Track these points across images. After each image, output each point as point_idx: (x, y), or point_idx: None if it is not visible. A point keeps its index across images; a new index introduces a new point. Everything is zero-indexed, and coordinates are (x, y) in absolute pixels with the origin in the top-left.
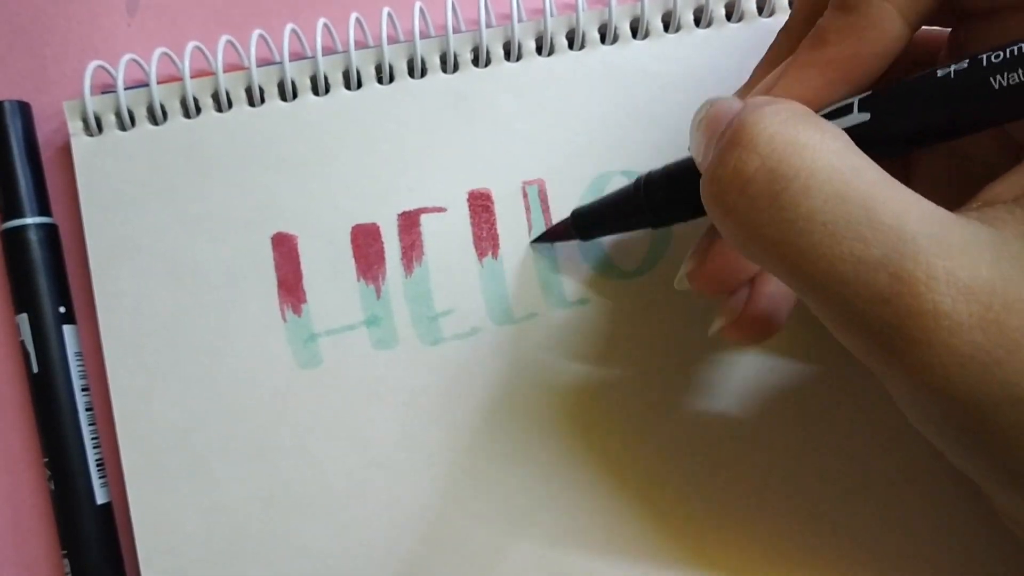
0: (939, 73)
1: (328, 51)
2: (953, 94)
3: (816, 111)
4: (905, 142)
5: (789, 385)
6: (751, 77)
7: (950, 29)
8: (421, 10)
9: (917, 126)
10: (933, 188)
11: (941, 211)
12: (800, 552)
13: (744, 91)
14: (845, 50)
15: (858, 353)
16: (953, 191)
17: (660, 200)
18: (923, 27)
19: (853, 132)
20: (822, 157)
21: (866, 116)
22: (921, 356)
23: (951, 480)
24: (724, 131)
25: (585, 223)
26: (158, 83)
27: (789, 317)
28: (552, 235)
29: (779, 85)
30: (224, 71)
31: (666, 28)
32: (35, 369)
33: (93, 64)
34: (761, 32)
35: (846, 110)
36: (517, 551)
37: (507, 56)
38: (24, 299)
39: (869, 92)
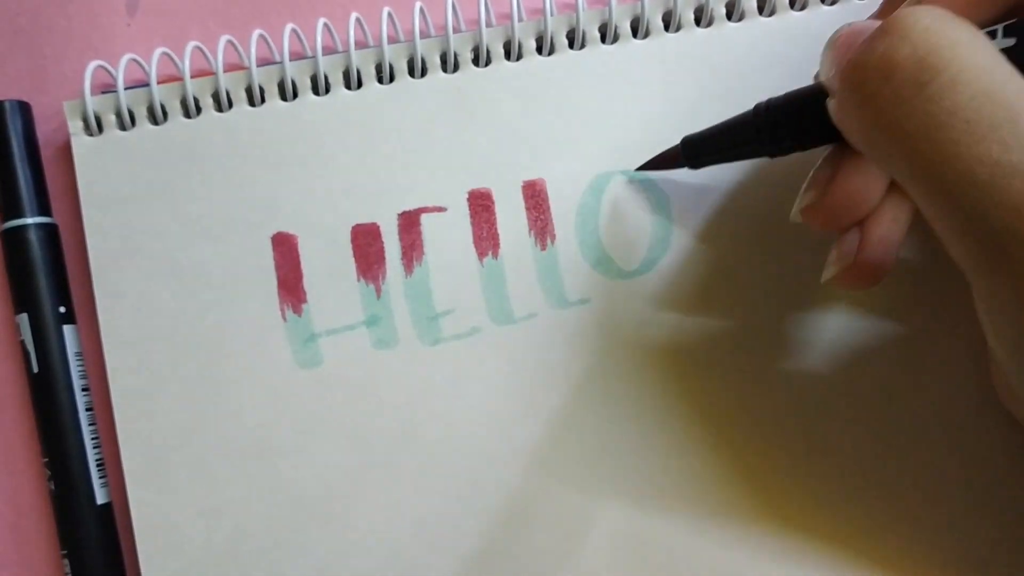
0: None
1: (328, 51)
2: None
3: None
4: None
5: (789, 384)
6: (881, 8)
7: None
8: (421, 10)
9: None
10: None
11: None
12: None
13: (880, 15)
14: None
15: (968, 262)
16: None
17: (781, 125)
18: None
19: None
20: (974, 55)
21: (1011, 41)
22: None
23: None
24: (870, 35)
25: (696, 150)
26: (158, 83)
27: (895, 264)
28: (659, 162)
29: (924, 3)
30: (224, 71)
31: (667, 27)
32: (35, 369)
33: (93, 64)
34: (762, 31)
35: (990, 36)
36: (518, 551)
37: (507, 56)
38: (24, 299)
39: (1014, 20)
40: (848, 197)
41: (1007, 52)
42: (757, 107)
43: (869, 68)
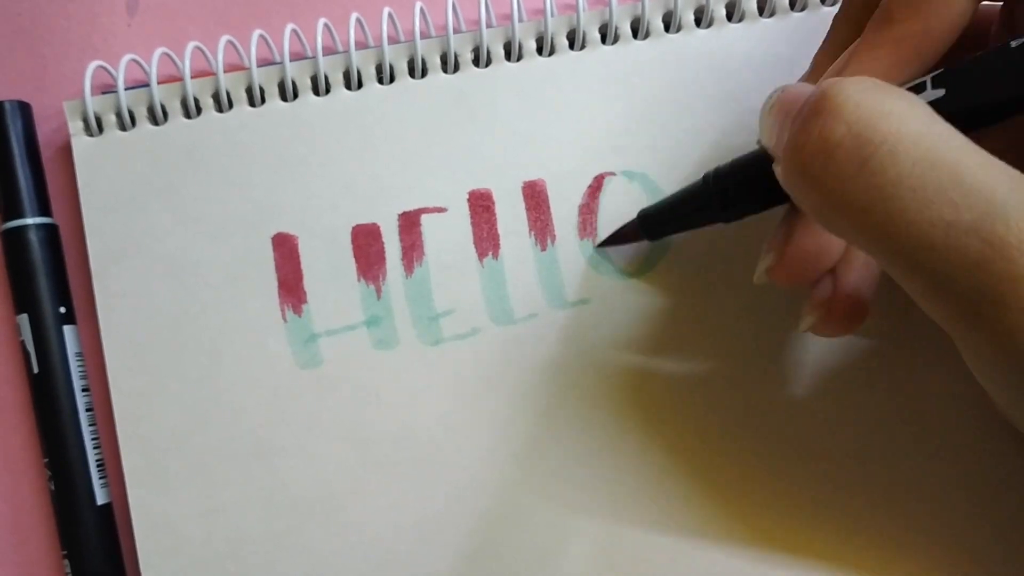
0: (1013, 44)
1: (328, 51)
2: None
3: None
4: (980, 117)
5: (788, 384)
6: (812, 66)
7: (1001, 3)
8: (422, 10)
9: (994, 99)
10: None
11: None
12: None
13: (810, 78)
14: (914, 27)
15: (941, 318)
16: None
17: (731, 193)
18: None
19: None
20: (908, 123)
21: (940, 92)
22: (1011, 321)
23: None
24: (801, 108)
25: (652, 223)
26: (158, 83)
27: (873, 303)
28: (618, 238)
29: (849, 67)
30: (224, 71)
31: (667, 28)
32: (35, 369)
33: (93, 64)
34: (762, 32)
35: (919, 89)
36: (518, 551)
37: (508, 56)
38: (24, 299)
39: (940, 70)
40: (806, 254)
41: (938, 103)
42: (706, 176)
43: (808, 152)
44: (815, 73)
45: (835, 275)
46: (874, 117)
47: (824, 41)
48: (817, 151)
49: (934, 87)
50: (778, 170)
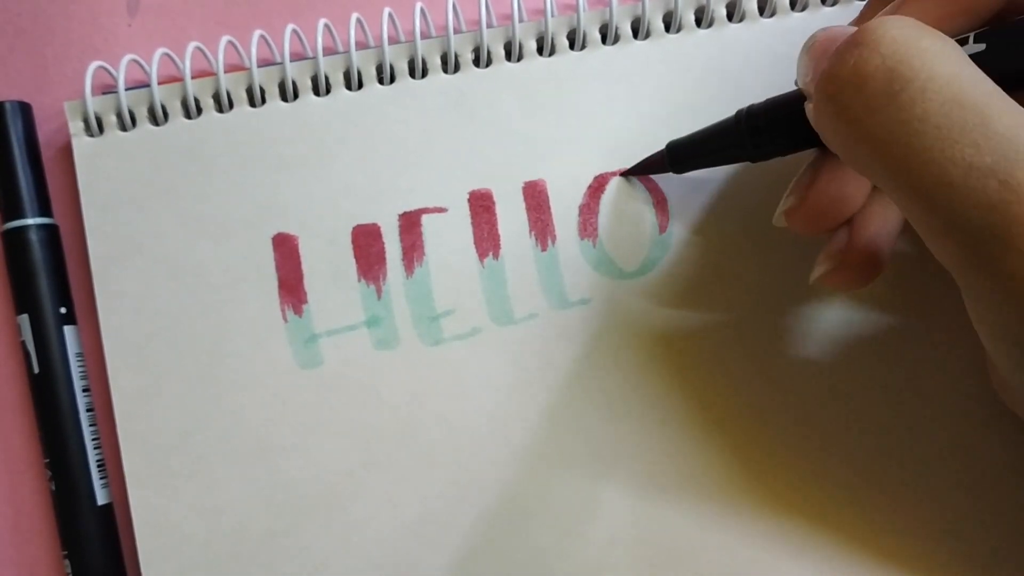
0: None
1: (329, 51)
2: None
3: None
4: (1017, 79)
5: (789, 382)
6: (861, 13)
7: None
8: (422, 10)
9: None
10: None
11: None
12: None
13: (858, 23)
14: None
15: (949, 260)
16: None
17: (762, 131)
18: None
19: None
20: (942, 62)
21: (981, 47)
22: (1020, 265)
23: None
24: (841, 43)
25: (680, 156)
26: (159, 83)
27: (888, 261)
28: (645, 167)
29: (898, 14)
30: (225, 71)
31: (667, 28)
32: (36, 370)
33: (94, 64)
34: (762, 32)
35: (961, 43)
36: (518, 550)
37: (508, 56)
38: (25, 300)
39: (985, 28)
40: (828, 200)
41: (977, 57)
42: (739, 113)
43: (841, 80)
44: (861, 21)
45: (852, 226)
46: (909, 53)
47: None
48: (849, 79)
49: (976, 41)
50: (809, 107)
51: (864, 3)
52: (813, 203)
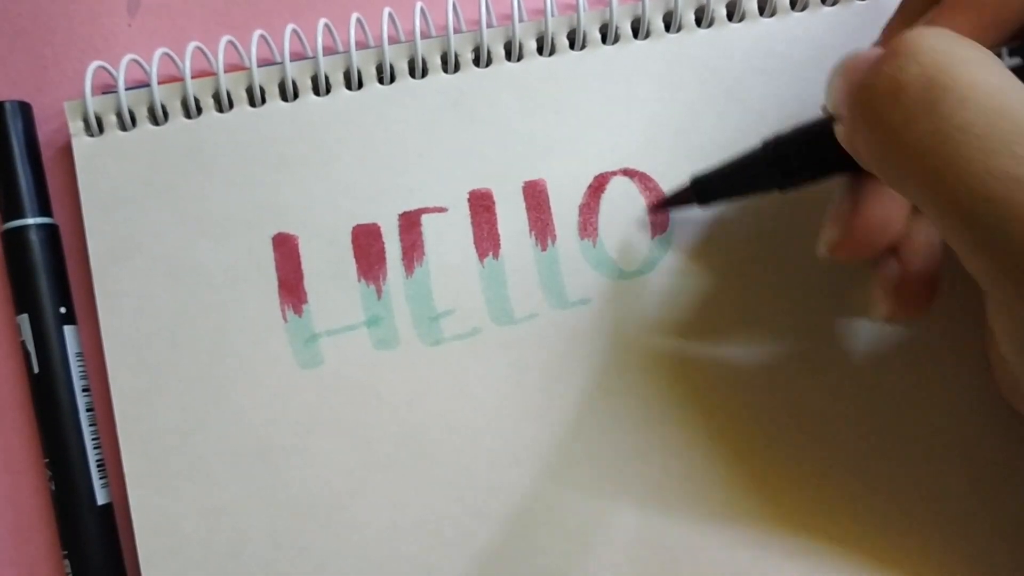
0: None
1: (329, 51)
2: None
3: None
4: None
5: (791, 383)
6: (883, 35)
7: None
8: (422, 10)
9: None
10: None
11: None
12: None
13: (885, 43)
14: None
15: (984, 275)
16: None
17: (791, 160)
18: None
19: None
20: (983, 72)
21: (1018, 60)
22: None
23: None
24: (876, 58)
25: (706, 188)
26: (159, 83)
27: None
28: (670, 203)
29: (932, 27)
30: (225, 71)
31: (667, 28)
32: (36, 369)
33: (94, 64)
34: (763, 32)
35: (995, 56)
36: (518, 551)
37: (508, 56)
38: (25, 299)
39: (1020, 41)
40: (872, 228)
41: (1014, 71)
42: (765, 142)
43: (878, 89)
44: (889, 35)
45: (900, 256)
46: (949, 62)
47: (897, 10)
48: (887, 89)
49: (1011, 56)
50: (839, 130)
51: (887, 25)
52: (860, 233)
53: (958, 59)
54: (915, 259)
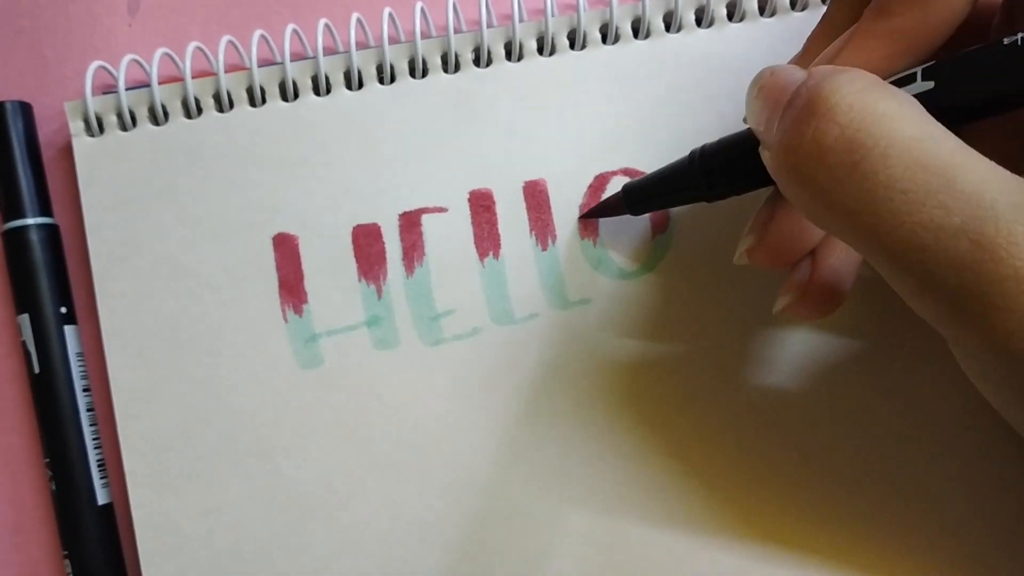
0: (1005, 41)
1: (329, 51)
2: (1020, 63)
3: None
4: (968, 113)
5: (790, 383)
6: (805, 48)
7: None
8: (422, 10)
9: (982, 95)
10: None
11: (1019, 179)
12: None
13: (802, 61)
14: (910, 20)
15: (931, 318)
16: (1013, 164)
17: (717, 172)
18: None
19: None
20: (901, 126)
21: (930, 85)
22: (1001, 321)
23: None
24: (793, 99)
25: (637, 198)
26: (159, 83)
27: (851, 289)
28: (601, 210)
29: (841, 55)
30: (225, 71)
31: (667, 28)
32: (36, 369)
33: (94, 64)
34: (763, 32)
35: (909, 79)
36: (519, 549)
37: (508, 56)
38: (25, 299)
39: (932, 62)
40: (786, 237)
41: (927, 96)
42: (692, 153)
43: (801, 153)
44: (807, 55)
45: (814, 258)
46: (867, 120)
47: (819, 23)
48: (810, 153)
49: (924, 79)
50: (765, 156)
51: (809, 37)
52: (772, 241)
53: (877, 115)
54: (825, 265)
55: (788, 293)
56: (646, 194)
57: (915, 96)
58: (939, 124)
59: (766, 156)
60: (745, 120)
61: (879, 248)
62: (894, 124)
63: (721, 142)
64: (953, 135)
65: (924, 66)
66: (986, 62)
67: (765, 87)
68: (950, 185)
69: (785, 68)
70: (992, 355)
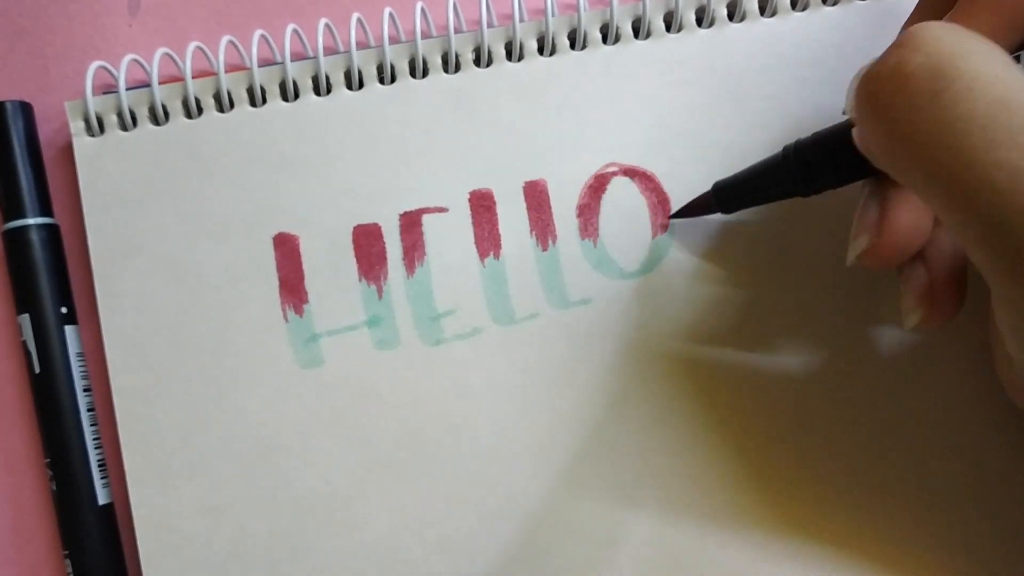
0: None
1: (329, 51)
2: None
3: None
4: None
5: (792, 383)
6: (903, 31)
7: None
8: (422, 10)
9: None
10: None
11: None
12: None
13: None
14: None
15: (988, 267)
16: None
17: (813, 165)
18: None
19: None
20: (987, 63)
21: None
22: None
23: None
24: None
25: (728, 195)
26: (160, 83)
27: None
28: (692, 209)
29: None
30: (225, 71)
31: (668, 28)
32: (37, 369)
33: (95, 64)
34: (763, 32)
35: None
36: (519, 549)
37: (508, 56)
38: (26, 299)
39: None
40: (901, 234)
41: None
42: (786, 148)
43: (883, 79)
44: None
45: (926, 261)
46: (954, 53)
47: (913, 12)
48: (892, 78)
49: (1019, 63)
50: (855, 133)
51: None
52: (890, 239)
53: (963, 50)
54: (941, 264)
55: (918, 307)
56: (738, 191)
57: None
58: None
59: (856, 133)
60: (843, 112)
61: (950, 186)
62: (980, 61)
63: (816, 135)
64: None
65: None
66: None
67: (864, 74)
68: None
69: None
70: None
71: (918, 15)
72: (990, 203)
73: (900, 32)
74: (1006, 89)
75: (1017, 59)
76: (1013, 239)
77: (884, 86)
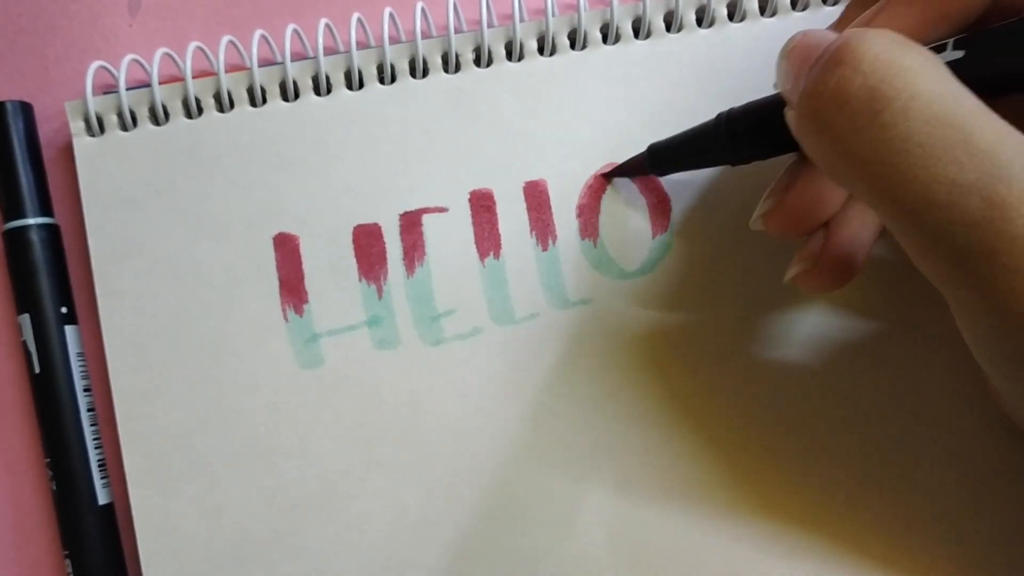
0: None
1: (330, 51)
2: None
3: None
4: (996, 85)
5: (789, 384)
6: (842, 16)
7: None
8: (423, 10)
9: (1012, 68)
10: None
11: None
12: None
13: (837, 27)
14: None
15: (936, 278)
16: None
17: (742, 135)
18: None
19: None
20: (924, 80)
21: (960, 54)
22: (1006, 281)
23: None
24: (821, 55)
25: (661, 158)
26: (160, 83)
27: (865, 263)
28: (626, 170)
29: (876, 20)
30: (226, 71)
31: (668, 28)
32: (37, 369)
33: (95, 64)
34: (763, 32)
35: (940, 49)
36: (519, 550)
37: (509, 56)
38: (26, 299)
39: (964, 34)
40: (805, 203)
41: (956, 65)
42: (719, 116)
43: (823, 99)
44: (842, 23)
45: (829, 230)
46: (891, 72)
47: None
48: (831, 99)
49: (955, 48)
50: (790, 115)
51: (844, 5)
52: (790, 206)
53: (901, 68)
54: (840, 236)
55: (800, 262)
56: (671, 154)
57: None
58: (961, 84)
59: (791, 116)
60: (775, 86)
61: (892, 201)
62: (917, 78)
63: (748, 106)
64: (974, 96)
65: (956, 37)
66: (1018, 36)
67: (796, 47)
68: (967, 142)
69: (818, 31)
70: (995, 316)
71: (857, 2)
72: (931, 216)
73: (841, 14)
74: (942, 104)
75: (943, 47)
76: (956, 249)
77: (824, 106)
